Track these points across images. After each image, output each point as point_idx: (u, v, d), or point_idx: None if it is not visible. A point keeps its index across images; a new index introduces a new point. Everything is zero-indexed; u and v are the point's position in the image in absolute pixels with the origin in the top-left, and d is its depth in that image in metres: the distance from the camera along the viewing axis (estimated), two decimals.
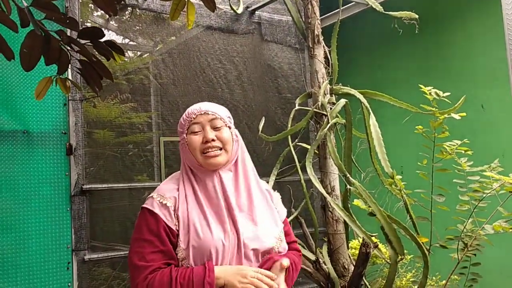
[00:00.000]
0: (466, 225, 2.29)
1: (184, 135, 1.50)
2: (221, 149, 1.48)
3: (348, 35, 4.19)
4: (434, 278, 2.76)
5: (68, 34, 1.63)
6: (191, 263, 1.38)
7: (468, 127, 3.27)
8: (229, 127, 1.52)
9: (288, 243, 1.57)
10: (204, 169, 1.50)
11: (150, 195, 1.50)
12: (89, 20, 3.53)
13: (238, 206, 1.47)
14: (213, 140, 1.46)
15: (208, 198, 1.46)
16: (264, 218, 1.50)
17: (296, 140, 2.79)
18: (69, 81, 1.69)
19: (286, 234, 1.59)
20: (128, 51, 3.75)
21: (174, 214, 1.42)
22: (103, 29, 3.53)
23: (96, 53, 1.55)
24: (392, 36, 3.55)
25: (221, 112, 1.52)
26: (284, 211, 1.65)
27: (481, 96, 3.33)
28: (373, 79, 4.08)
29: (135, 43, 3.70)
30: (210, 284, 1.32)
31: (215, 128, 1.49)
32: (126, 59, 3.69)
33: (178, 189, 1.48)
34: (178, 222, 1.42)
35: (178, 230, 1.41)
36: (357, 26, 4.10)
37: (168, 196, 1.46)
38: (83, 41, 1.47)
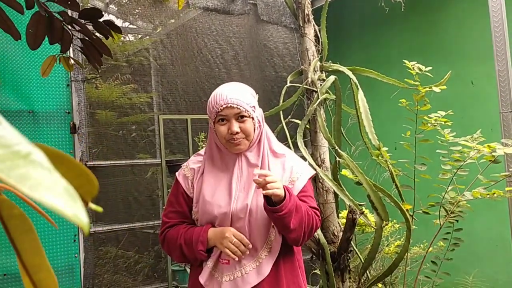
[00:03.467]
0: (446, 192, 2.42)
1: (212, 123, 1.69)
2: (243, 138, 1.67)
3: (341, 15, 4.28)
4: (421, 245, 2.90)
5: (70, 15, 1.75)
6: (200, 223, 1.69)
7: (458, 102, 3.38)
8: (252, 118, 1.67)
9: None
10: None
11: (183, 164, 1.82)
12: (89, 4, 3.64)
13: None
14: (237, 133, 1.64)
15: (225, 172, 1.70)
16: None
17: (289, 117, 2.91)
18: (72, 59, 1.82)
19: (300, 200, 1.68)
20: (128, 34, 3.86)
21: (191, 184, 1.73)
22: (103, 12, 3.66)
23: (96, 32, 1.67)
24: (383, 15, 3.64)
25: (245, 103, 1.65)
26: (302, 178, 1.72)
27: (472, 72, 3.43)
28: (366, 58, 4.18)
29: (134, 26, 3.81)
30: (202, 242, 1.61)
31: (240, 118, 1.65)
32: (126, 40, 3.80)
33: (201, 162, 1.75)
34: (193, 190, 1.72)
35: (193, 197, 1.72)
36: (349, 5, 4.19)
37: (190, 167, 1.76)
38: (83, 21, 1.59)
